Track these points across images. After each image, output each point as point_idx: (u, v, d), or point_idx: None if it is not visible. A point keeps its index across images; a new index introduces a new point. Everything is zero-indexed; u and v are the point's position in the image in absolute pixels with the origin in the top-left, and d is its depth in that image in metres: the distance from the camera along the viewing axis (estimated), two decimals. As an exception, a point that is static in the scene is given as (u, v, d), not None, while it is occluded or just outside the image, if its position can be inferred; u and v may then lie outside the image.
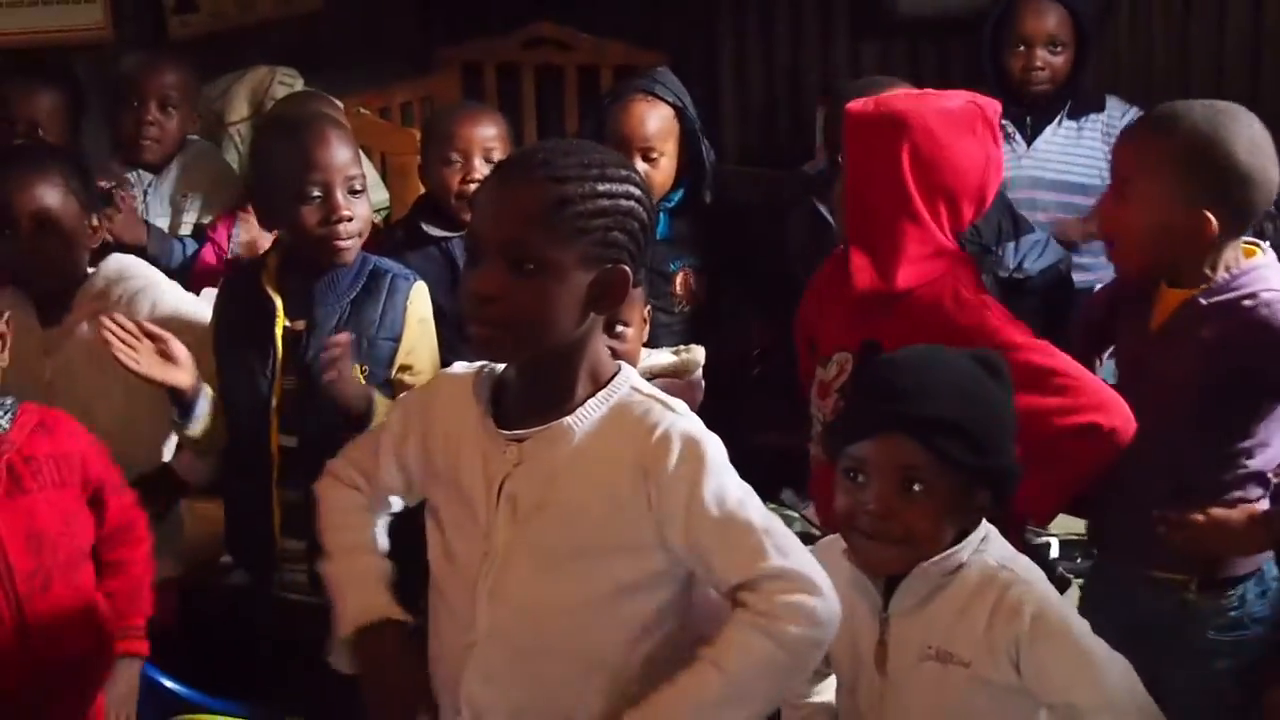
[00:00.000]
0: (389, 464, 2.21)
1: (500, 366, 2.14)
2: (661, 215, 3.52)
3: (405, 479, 2.21)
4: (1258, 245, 2.60)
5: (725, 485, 2.02)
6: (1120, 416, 2.52)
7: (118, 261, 3.24)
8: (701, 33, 5.60)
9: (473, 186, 3.41)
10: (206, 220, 4.01)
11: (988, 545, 2.17)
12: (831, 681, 2.36)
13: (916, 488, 2.09)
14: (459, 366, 2.21)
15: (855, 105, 2.74)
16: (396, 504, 2.28)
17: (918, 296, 2.66)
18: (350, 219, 2.87)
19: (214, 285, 3.44)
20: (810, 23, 5.42)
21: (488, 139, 3.56)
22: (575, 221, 1.95)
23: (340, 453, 2.31)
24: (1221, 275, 2.54)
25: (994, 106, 2.71)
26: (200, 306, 3.22)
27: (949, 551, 2.13)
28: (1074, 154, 3.92)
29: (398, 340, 2.95)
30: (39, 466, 2.38)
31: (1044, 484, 2.52)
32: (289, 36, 5.26)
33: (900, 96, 2.79)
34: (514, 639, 2.07)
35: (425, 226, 3.60)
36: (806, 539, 2.20)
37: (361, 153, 3.61)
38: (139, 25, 4.71)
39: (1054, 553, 3.14)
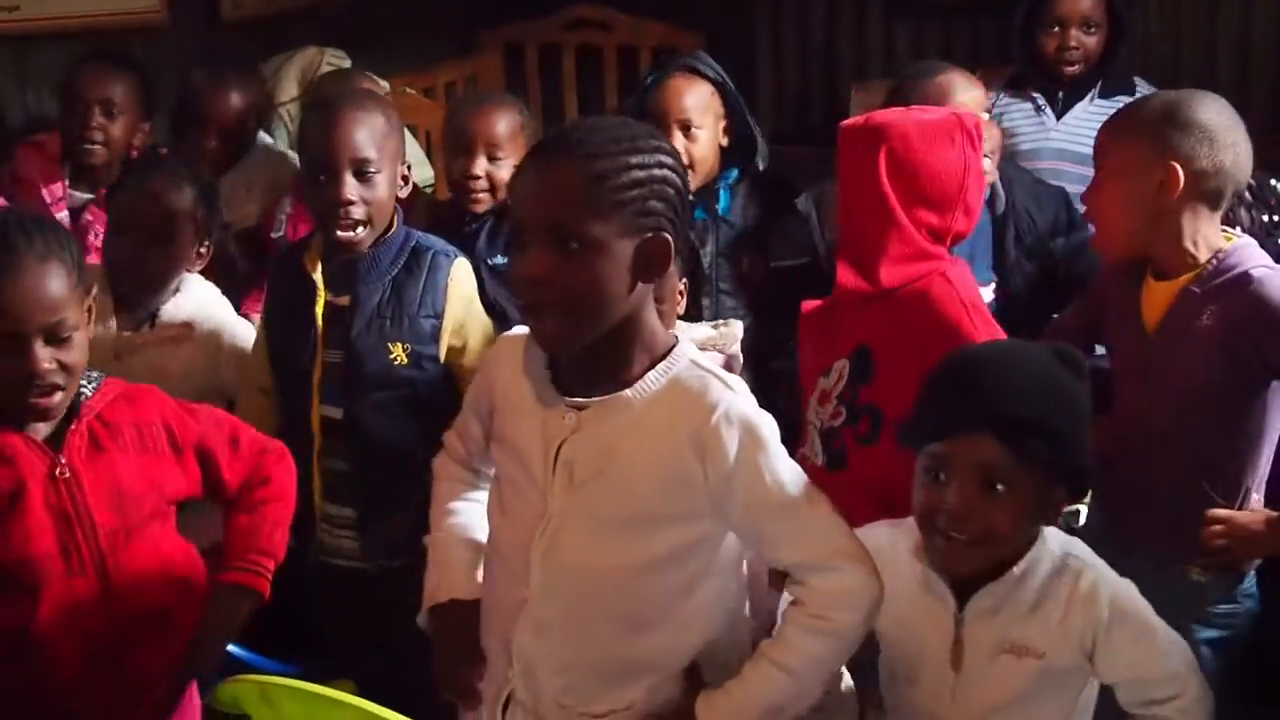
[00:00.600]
0: (474, 425, 2.25)
1: None
2: (723, 193, 3.57)
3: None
4: (1234, 234, 2.62)
5: (782, 470, 2.03)
6: None
7: (200, 290, 3.26)
8: (737, 13, 5.59)
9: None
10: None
11: (1045, 531, 2.16)
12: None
13: (999, 487, 2.06)
14: (520, 329, 2.20)
15: (847, 121, 2.78)
16: None
17: (901, 297, 2.66)
18: (351, 202, 2.83)
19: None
20: (845, 4, 5.43)
21: (496, 134, 3.49)
22: (613, 195, 1.94)
23: (453, 425, 2.35)
24: (1208, 261, 2.54)
25: (975, 119, 2.73)
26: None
27: (1029, 555, 2.12)
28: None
29: (440, 317, 2.93)
30: (119, 430, 2.38)
31: None
32: (338, 18, 5.26)
33: (886, 110, 2.81)
34: (565, 598, 2.08)
35: None
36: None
37: (407, 131, 3.64)
38: (193, 8, 4.73)
39: (1083, 519, 3.12)
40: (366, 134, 2.85)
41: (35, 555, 2.26)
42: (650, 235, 1.98)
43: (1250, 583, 2.68)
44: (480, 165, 3.41)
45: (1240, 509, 2.58)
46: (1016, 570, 2.12)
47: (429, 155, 4.68)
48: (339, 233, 2.84)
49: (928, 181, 2.64)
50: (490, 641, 2.20)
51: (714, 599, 2.11)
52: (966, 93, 3.42)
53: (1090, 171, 3.78)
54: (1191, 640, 2.56)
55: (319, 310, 2.91)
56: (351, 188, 2.81)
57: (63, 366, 2.27)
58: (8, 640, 2.27)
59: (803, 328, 2.93)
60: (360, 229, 2.85)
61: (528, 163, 2.05)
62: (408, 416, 2.92)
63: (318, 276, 2.92)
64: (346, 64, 4.80)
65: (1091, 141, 3.77)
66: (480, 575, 2.25)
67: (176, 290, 3.20)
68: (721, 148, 3.58)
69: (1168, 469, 2.60)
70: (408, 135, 3.63)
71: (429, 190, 4.47)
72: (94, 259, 3.21)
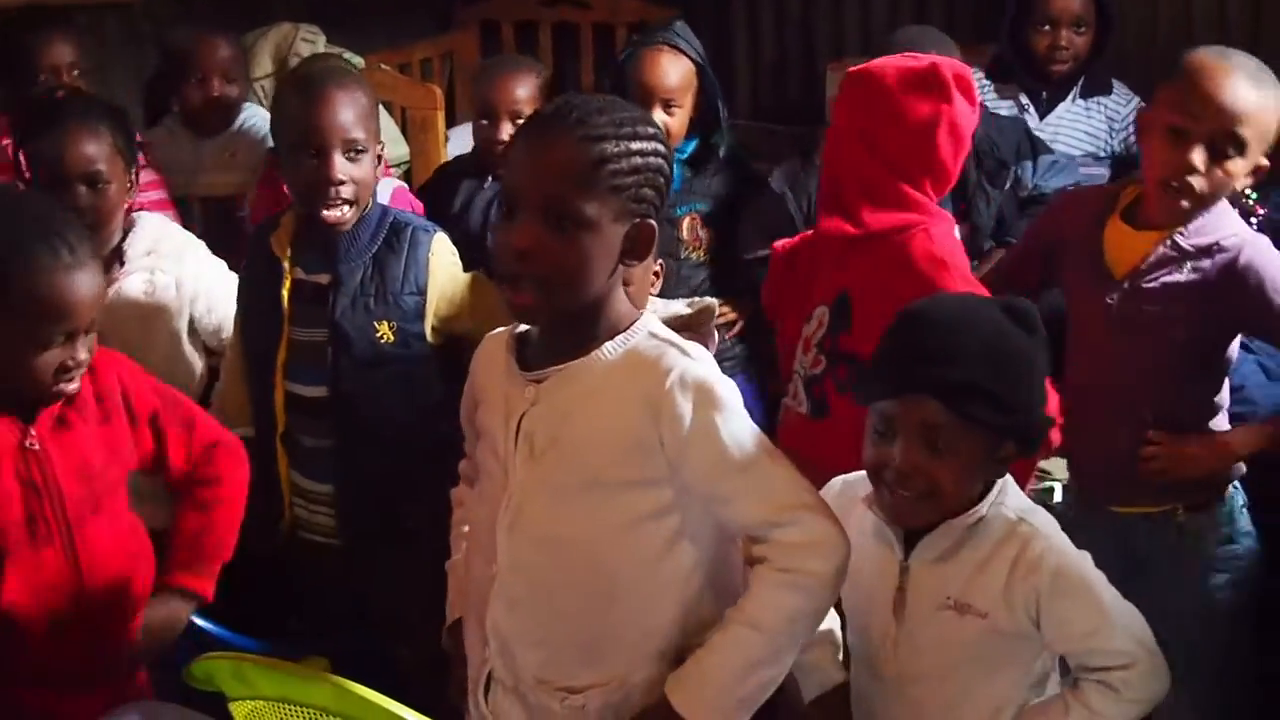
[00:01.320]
0: (470, 430, 2.26)
1: None
2: (676, 167, 3.58)
3: None
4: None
5: (739, 430, 2.04)
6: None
7: (154, 220, 3.29)
8: (718, -9, 5.56)
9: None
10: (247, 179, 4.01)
11: (1005, 496, 2.18)
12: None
13: (941, 445, 2.09)
14: (498, 331, 2.23)
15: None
16: None
17: (881, 246, 2.68)
18: (341, 182, 2.83)
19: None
20: (826, -19, 5.39)
21: (517, 99, 3.64)
22: (612, 179, 1.97)
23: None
24: (1194, 217, 2.56)
25: (957, 68, 2.71)
26: (226, 273, 3.28)
27: (975, 509, 2.14)
28: (1081, 131, 3.90)
29: (423, 294, 2.94)
30: (85, 402, 2.41)
31: None
32: (312, -10, 5.25)
33: (880, 60, 2.79)
34: (532, 571, 2.10)
35: None
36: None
37: (383, 108, 3.67)
38: (167, -16, 4.69)
39: (1057, 497, 3.14)
40: (354, 113, 2.86)
41: (2, 522, 2.27)
42: (639, 221, 2.02)
43: (1245, 521, 2.71)
44: (506, 131, 3.54)
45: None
46: (957, 521, 2.14)
47: (405, 133, 4.65)
48: (326, 212, 2.83)
49: (898, 131, 2.65)
50: (468, 624, 2.22)
51: (689, 569, 2.11)
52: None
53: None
54: (1209, 589, 2.69)
55: (285, 291, 2.89)
56: (342, 167, 2.80)
57: (81, 363, 2.34)
58: None
59: (774, 266, 2.96)
60: (347, 208, 2.85)
61: (528, 133, 2.06)
62: (396, 394, 2.93)
63: (285, 257, 2.90)
64: (321, 40, 4.80)
65: (1072, 140, 3.84)
66: None
67: (130, 228, 3.20)
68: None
69: (1130, 416, 2.64)
70: (382, 112, 3.64)
71: (404, 168, 4.44)
72: None
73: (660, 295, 3.13)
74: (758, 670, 2.05)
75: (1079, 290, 2.71)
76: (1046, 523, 2.18)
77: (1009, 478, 2.20)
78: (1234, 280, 2.56)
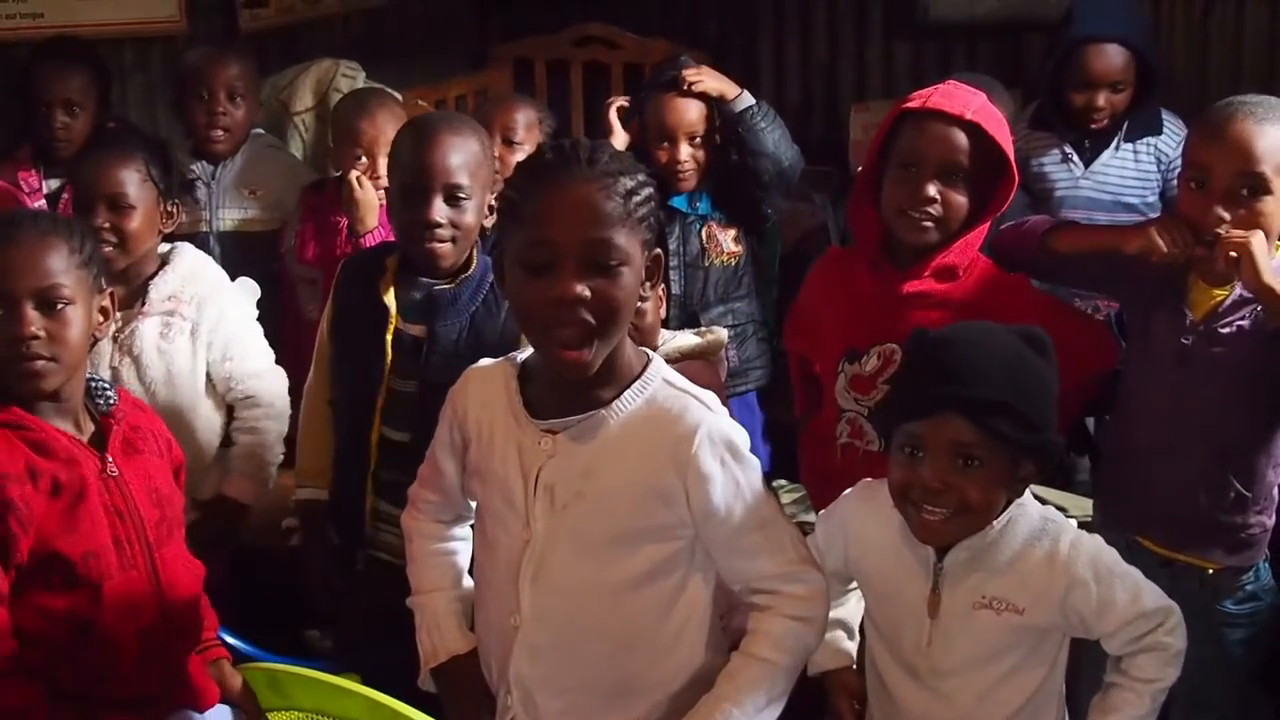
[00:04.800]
0: (449, 463, 2.22)
1: (523, 355, 2.15)
2: (704, 196, 3.65)
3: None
4: None
5: (758, 487, 2.06)
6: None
7: (190, 259, 3.24)
8: (742, 33, 5.60)
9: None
10: (272, 215, 3.99)
11: (1026, 500, 2.22)
12: (848, 600, 2.41)
13: (971, 463, 2.11)
14: (483, 361, 2.22)
15: None
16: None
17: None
18: (439, 225, 2.76)
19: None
20: (846, 24, 5.43)
21: (512, 123, 3.70)
22: (636, 211, 1.96)
23: (416, 477, 2.34)
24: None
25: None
26: (251, 324, 3.27)
27: (1008, 515, 2.17)
28: (1129, 176, 3.79)
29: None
30: (145, 435, 2.41)
31: None
32: (352, 30, 5.29)
33: None
34: (556, 620, 2.08)
35: None
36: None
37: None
38: (212, 18, 4.73)
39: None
40: (463, 159, 2.80)
41: (97, 548, 2.26)
42: (656, 250, 2.04)
43: (1266, 575, 2.67)
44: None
45: (1255, 494, 2.61)
46: (993, 527, 2.17)
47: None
48: (429, 252, 2.79)
49: None
50: (486, 670, 2.20)
51: (701, 611, 2.13)
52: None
53: (1122, 217, 3.70)
54: (1227, 643, 2.65)
55: (389, 338, 2.84)
56: (440, 210, 2.76)
57: (52, 338, 2.26)
58: (75, 633, 2.27)
59: (814, 284, 2.93)
60: (445, 249, 2.80)
61: (547, 188, 1.99)
62: None
63: (390, 302, 2.84)
64: (361, 76, 4.80)
65: (1119, 187, 3.73)
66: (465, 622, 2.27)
67: (166, 263, 3.17)
68: None
69: (1194, 454, 2.59)
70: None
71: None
72: None
73: (696, 303, 3.17)
74: (773, 705, 2.08)
75: (1162, 332, 2.64)
76: (1064, 519, 2.24)
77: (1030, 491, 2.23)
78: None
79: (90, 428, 2.36)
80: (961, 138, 2.61)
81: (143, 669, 2.34)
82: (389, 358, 2.84)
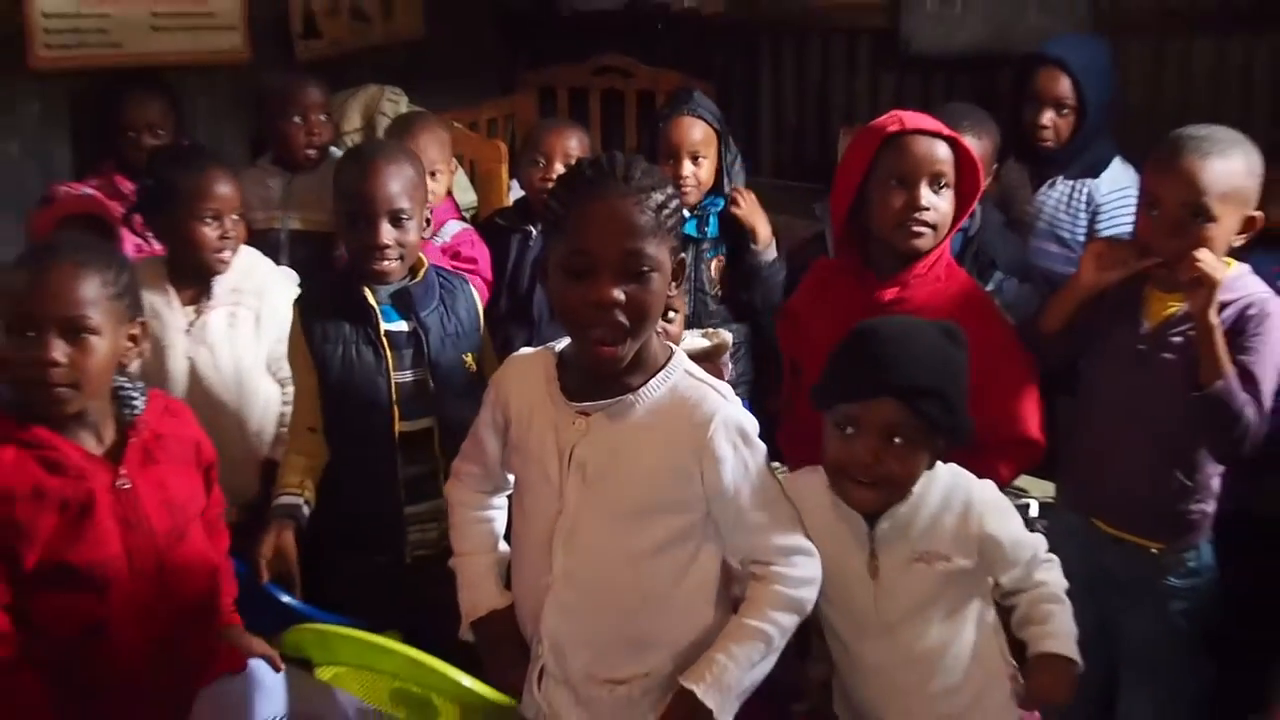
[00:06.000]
0: (491, 441, 2.21)
1: (560, 345, 2.14)
2: (713, 218, 3.62)
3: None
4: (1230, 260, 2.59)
5: (765, 469, 2.08)
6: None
7: (245, 255, 3.27)
8: (743, 63, 5.60)
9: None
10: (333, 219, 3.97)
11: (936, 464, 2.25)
12: None
13: (898, 440, 2.15)
14: (524, 351, 2.22)
15: None
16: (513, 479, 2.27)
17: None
18: (385, 246, 2.77)
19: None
20: (836, 57, 5.40)
21: (569, 147, 3.64)
22: (666, 222, 1.97)
23: (459, 452, 2.33)
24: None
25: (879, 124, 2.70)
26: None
27: (919, 486, 2.22)
28: (1062, 211, 3.66)
29: (480, 329, 2.94)
30: (167, 443, 2.35)
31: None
32: (395, 60, 5.29)
33: None
34: (584, 581, 2.09)
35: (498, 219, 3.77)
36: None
37: (455, 160, 3.72)
38: (271, 49, 4.75)
39: (1034, 512, 3.12)
40: (401, 185, 2.80)
41: (105, 558, 2.23)
42: (680, 255, 2.04)
43: (1207, 554, 2.67)
44: (556, 171, 3.50)
45: (1196, 484, 2.62)
46: (914, 493, 2.21)
47: (473, 181, 4.69)
48: (376, 270, 2.80)
49: None
50: (521, 624, 2.21)
51: (709, 578, 2.13)
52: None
53: (1055, 248, 3.62)
54: (1169, 614, 2.65)
55: (383, 336, 2.83)
56: (386, 233, 2.77)
57: (74, 365, 2.19)
58: (85, 634, 2.24)
59: (805, 297, 2.92)
60: (391, 265, 2.81)
61: (587, 202, 1.99)
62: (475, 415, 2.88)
63: (373, 301, 2.83)
64: (403, 100, 4.84)
65: (1052, 217, 3.63)
66: (502, 581, 2.27)
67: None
68: None
69: (1145, 448, 2.60)
70: (455, 163, 3.70)
71: (472, 212, 4.47)
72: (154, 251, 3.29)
73: (688, 326, 3.16)
74: (763, 663, 2.09)
75: (1117, 340, 2.66)
76: (967, 473, 2.27)
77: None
78: (1240, 321, 2.51)
79: (111, 438, 2.30)
80: (945, 150, 2.61)
81: (152, 665, 2.30)
82: (388, 355, 2.81)
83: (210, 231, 3.10)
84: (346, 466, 2.90)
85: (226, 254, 3.12)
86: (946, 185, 2.62)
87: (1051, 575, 2.26)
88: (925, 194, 2.59)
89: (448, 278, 2.96)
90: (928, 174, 2.60)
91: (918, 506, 2.22)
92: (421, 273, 2.88)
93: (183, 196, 3.09)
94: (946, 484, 2.24)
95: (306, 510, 2.86)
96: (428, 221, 2.92)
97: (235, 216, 3.16)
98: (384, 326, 2.83)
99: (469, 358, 2.88)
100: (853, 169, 2.67)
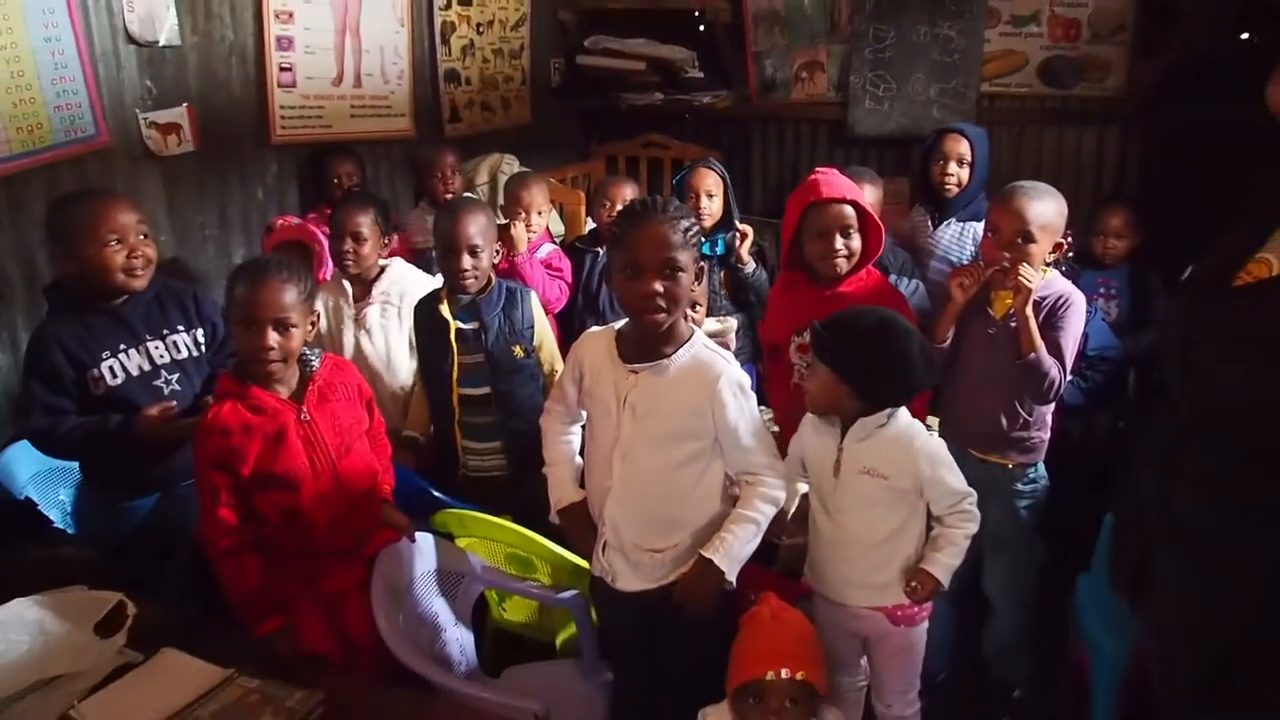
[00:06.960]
0: (571, 388, 2.20)
1: (618, 325, 2.14)
2: (720, 240, 3.59)
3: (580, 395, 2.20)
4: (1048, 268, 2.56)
5: (753, 411, 2.07)
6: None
7: (398, 267, 3.20)
8: (741, 142, 5.54)
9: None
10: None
11: (900, 412, 2.21)
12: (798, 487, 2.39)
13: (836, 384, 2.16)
14: (595, 329, 2.20)
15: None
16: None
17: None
18: (464, 270, 2.70)
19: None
20: (804, 139, 5.35)
21: (626, 194, 3.64)
22: (690, 239, 1.97)
23: (549, 395, 2.30)
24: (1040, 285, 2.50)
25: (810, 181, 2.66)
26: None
27: (879, 415, 2.17)
28: (953, 244, 3.57)
29: (533, 328, 2.86)
30: (335, 387, 2.33)
31: None
32: (511, 137, 5.25)
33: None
34: (633, 484, 2.10)
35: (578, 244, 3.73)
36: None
37: (551, 203, 3.68)
38: (429, 130, 4.71)
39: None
40: (477, 226, 2.74)
41: (295, 467, 2.22)
42: (700, 261, 2.02)
43: (1042, 470, 2.65)
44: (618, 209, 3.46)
45: (1035, 419, 2.59)
46: (870, 420, 2.17)
47: (562, 218, 4.65)
48: (461, 285, 2.76)
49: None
50: (591, 512, 2.20)
51: (717, 481, 2.12)
52: (867, 188, 3.36)
53: (947, 269, 3.52)
54: (1015, 509, 2.61)
55: (452, 336, 2.79)
56: (466, 262, 2.73)
57: (281, 348, 2.18)
58: (285, 517, 2.23)
59: (776, 299, 2.90)
60: (473, 282, 2.77)
61: (638, 225, 1.97)
62: (525, 386, 2.86)
63: (446, 313, 2.79)
64: (516, 163, 4.80)
65: (948, 248, 3.55)
66: (577, 483, 2.25)
67: (383, 270, 3.16)
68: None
69: (996, 399, 2.58)
70: (550, 206, 3.67)
71: (560, 238, 4.45)
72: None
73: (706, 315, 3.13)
74: (752, 543, 2.08)
75: (974, 327, 2.62)
76: (920, 424, 2.23)
77: (903, 407, 2.22)
78: (1054, 308, 2.50)
79: (294, 386, 2.27)
80: (849, 210, 2.61)
81: (331, 537, 2.28)
82: (454, 347, 2.78)
83: (351, 245, 3.06)
84: (435, 414, 2.93)
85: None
86: (853, 230, 2.61)
87: (964, 524, 2.17)
88: (838, 241, 2.60)
89: (514, 292, 2.85)
90: (838, 228, 2.61)
91: (877, 437, 2.18)
92: (489, 289, 2.84)
93: (337, 228, 3.07)
94: (902, 426, 2.19)
95: (421, 440, 2.96)
96: (498, 252, 2.88)
97: (371, 238, 3.10)
98: (456, 325, 2.78)
99: (517, 348, 2.82)
100: (789, 222, 2.69)
